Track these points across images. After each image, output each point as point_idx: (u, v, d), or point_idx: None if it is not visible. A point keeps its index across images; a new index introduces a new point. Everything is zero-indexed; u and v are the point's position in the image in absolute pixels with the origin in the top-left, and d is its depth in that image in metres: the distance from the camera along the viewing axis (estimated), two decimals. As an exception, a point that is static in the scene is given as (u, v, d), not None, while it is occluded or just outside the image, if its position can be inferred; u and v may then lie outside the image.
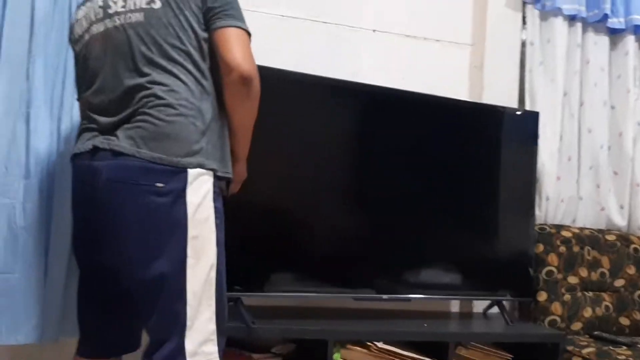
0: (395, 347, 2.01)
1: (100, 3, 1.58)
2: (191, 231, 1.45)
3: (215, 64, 1.55)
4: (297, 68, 2.18)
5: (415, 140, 2.34)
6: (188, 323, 1.44)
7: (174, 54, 1.51)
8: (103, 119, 1.53)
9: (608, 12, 2.70)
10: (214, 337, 1.48)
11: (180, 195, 1.45)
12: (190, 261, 1.45)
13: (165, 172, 1.45)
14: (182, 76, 1.50)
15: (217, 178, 1.53)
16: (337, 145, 2.22)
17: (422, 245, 2.32)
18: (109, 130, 1.51)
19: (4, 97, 1.87)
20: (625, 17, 2.74)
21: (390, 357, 2.01)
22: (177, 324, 1.44)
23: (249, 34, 1.57)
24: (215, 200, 1.51)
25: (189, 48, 1.52)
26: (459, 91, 2.63)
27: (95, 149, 1.50)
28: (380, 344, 1.99)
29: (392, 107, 2.33)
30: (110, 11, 1.55)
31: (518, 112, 2.56)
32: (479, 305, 2.55)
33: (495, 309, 2.45)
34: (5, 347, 1.92)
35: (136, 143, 1.45)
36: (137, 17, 1.52)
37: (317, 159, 2.17)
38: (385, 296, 2.20)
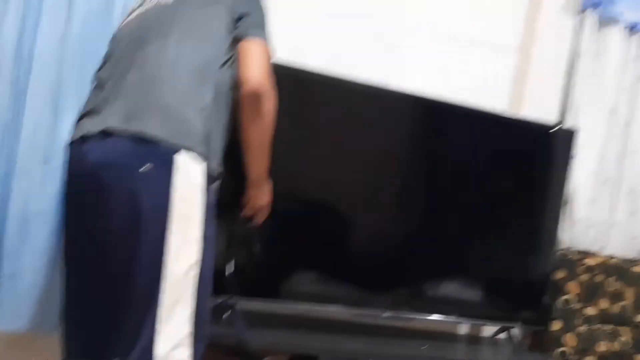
0: (389, 372, 1.95)
1: None
2: (174, 224, 1.37)
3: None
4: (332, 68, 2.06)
5: (443, 151, 2.22)
6: (158, 326, 1.36)
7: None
8: (100, 96, 1.49)
9: (673, 23, 2.47)
10: (188, 341, 1.40)
11: (165, 182, 1.37)
12: (169, 257, 1.36)
13: (150, 153, 1.37)
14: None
15: (208, 169, 1.44)
16: (361, 153, 2.09)
17: (436, 261, 2.23)
18: (101, 107, 1.45)
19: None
20: (689, 32, 2.51)
21: (383, 381, 1.96)
22: (147, 326, 1.36)
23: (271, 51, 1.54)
24: (204, 192, 1.42)
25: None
26: (500, 99, 2.46)
27: (84, 136, 1.44)
28: (372, 367, 1.93)
29: (426, 115, 2.22)
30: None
31: (554, 129, 2.37)
32: (489, 329, 2.45)
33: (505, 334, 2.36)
34: (5, 333, 1.92)
35: (125, 119, 1.39)
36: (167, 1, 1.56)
37: (337, 166, 2.07)
38: (385, 314, 2.12)
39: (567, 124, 2.48)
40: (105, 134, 1.40)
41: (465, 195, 2.25)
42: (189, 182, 1.40)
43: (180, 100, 1.42)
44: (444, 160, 2.22)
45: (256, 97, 1.49)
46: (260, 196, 1.72)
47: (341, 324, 2.17)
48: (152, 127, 1.38)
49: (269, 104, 1.53)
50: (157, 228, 1.37)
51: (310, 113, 2.02)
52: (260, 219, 1.78)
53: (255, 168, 1.64)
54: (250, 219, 1.77)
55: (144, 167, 1.36)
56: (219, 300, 1.87)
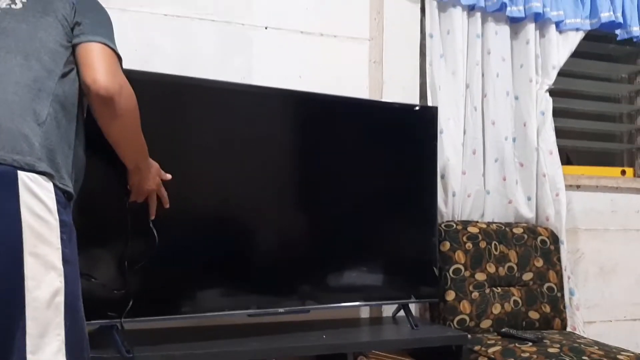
0: (289, 364, 1.91)
1: None
2: (28, 248, 1.26)
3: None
4: (186, 71, 2.04)
5: (311, 141, 2.23)
6: (29, 357, 1.26)
7: None
8: None
9: (506, 0, 2.66)
10: None
11: (9, 204, 1.25)
12: (29, 283, 1.26)
13: None
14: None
15: (57, 187, 1.35)
16: (238, 156, 2.07)
17: (321, 250, 2.21)
18: None
19: None
20: (524, 5, 2.70)
21: (285, 375, 1.92)
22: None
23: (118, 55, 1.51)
24: (59, 212, 1.33)
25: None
26: (359, 87, 2.55)
27: None
28: (272, 363, 1.88)
29: (286, 108, 2.22)
30: None
31: (416, 108, 2.47)
32: (390, 310, 2.47)
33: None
34: None
35: None
36: None
37: (217, 173, 2.04)
38: (282, 309, 2.09)
39: (429, 103, 2.59)
40: None
41: (347, 184, 2.26)
42: (37, 202, 1.29)
43: (11, 117, 1.32)
44: (319, 152, 2.23)
45: (104, 100, 1.44)
46: (144, 181, 1.72)
47: (240, 328, 2.11)
48: None
49: (125, 102, 1.48)
50: (9, 255, 1.25)
51: (181, 120, 1.97)
52: (152, 206, 1.80)
53: (129, 159, 1.65)
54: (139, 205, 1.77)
55: None
56: (102, 322, 1.79)
